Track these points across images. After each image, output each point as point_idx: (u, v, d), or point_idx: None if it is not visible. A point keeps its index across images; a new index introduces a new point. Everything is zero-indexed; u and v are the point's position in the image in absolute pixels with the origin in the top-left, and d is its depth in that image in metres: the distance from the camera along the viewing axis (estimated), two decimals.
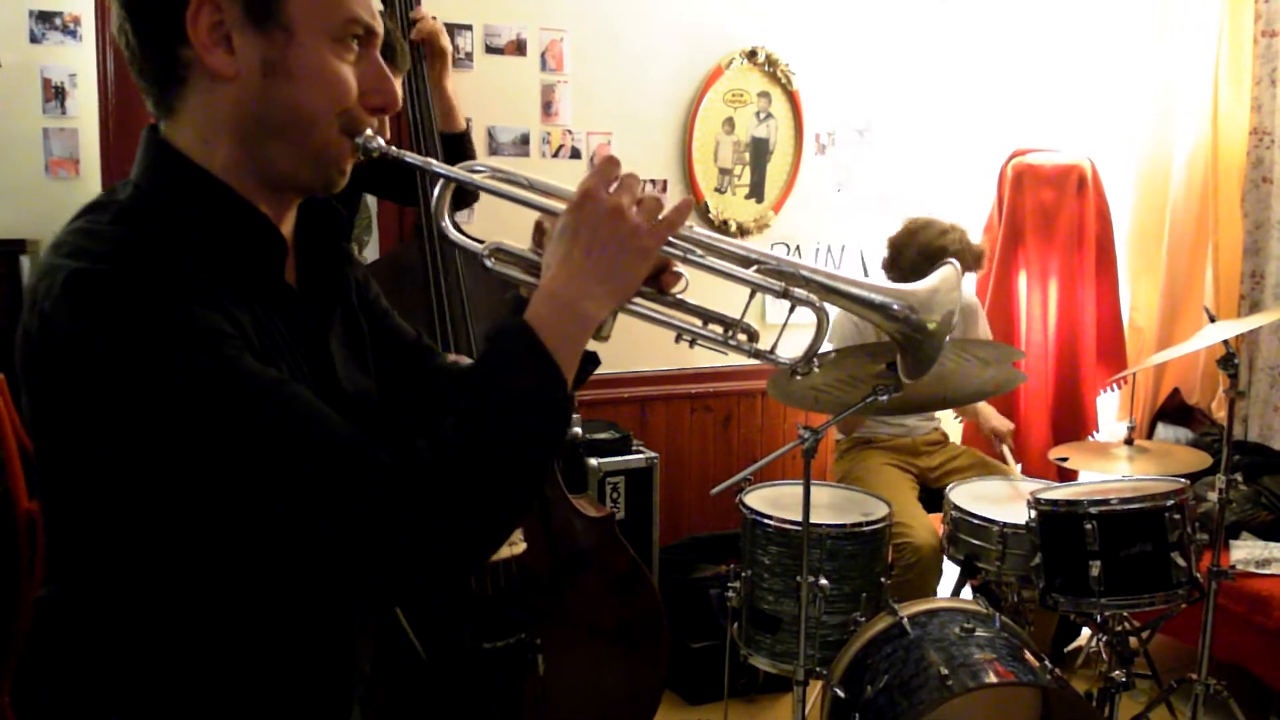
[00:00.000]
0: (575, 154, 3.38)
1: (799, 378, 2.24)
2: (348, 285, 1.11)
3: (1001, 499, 2.71)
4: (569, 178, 3.32)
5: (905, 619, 2.31)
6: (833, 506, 2.64)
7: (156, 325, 0.83)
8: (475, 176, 1.05)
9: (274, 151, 0.95)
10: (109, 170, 2.74)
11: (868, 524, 2.49)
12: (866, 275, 3.33)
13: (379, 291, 1.18)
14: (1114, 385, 3.61)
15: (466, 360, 1.27)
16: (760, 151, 3.67)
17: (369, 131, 0.99)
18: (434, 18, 2.22)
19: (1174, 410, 3.51)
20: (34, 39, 2.78)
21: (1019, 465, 3.47)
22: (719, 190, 3.60)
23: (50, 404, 0.88)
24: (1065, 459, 2.72)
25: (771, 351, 1.07)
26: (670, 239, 1.00)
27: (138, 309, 0.83)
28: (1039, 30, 3.84)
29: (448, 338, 1.98)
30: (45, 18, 2.77)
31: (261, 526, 0.85)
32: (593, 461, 2.96)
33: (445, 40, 2.15)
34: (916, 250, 2.92)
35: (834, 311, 1.06)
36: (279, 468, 0.84)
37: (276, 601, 0.96)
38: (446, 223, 1.08)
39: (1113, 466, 2.58)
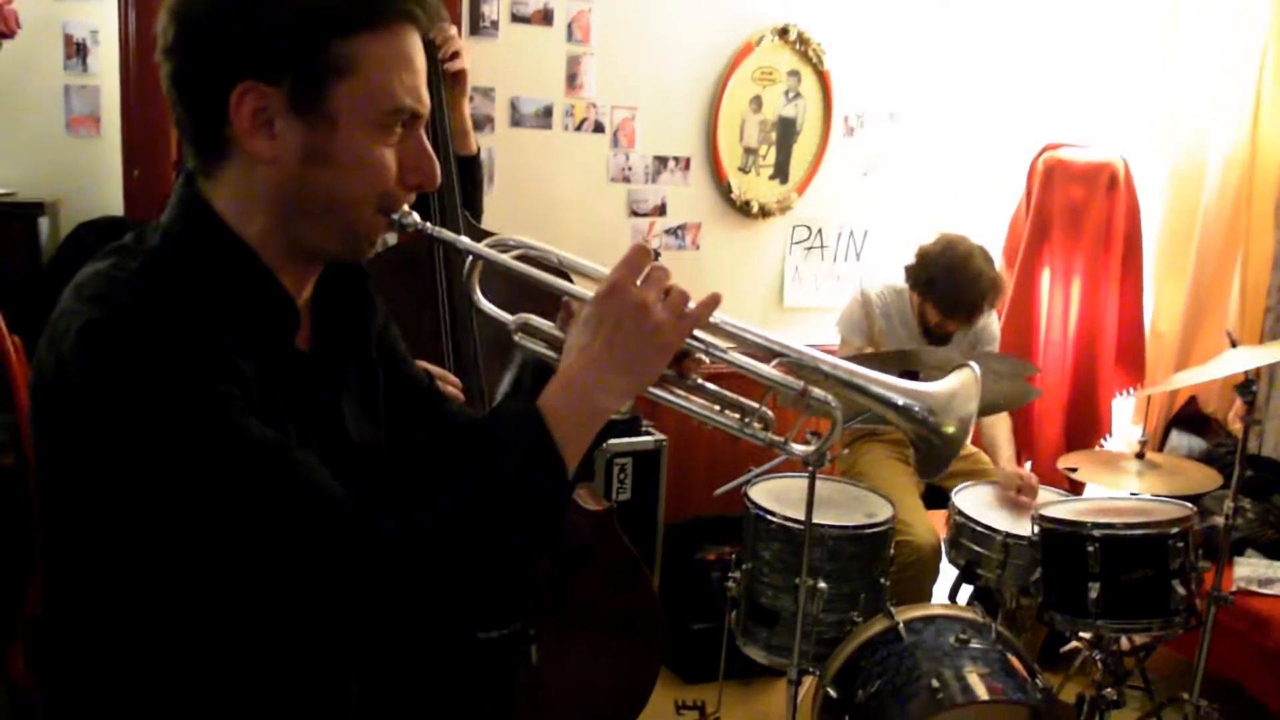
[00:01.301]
0: (599, 128, 3.34)
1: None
2: (367, 339, 1.11)
3: (1007, 507, 2.70)
4: (592, 151, 3.35)
5: (901, 624, 2.32)
6: (836, 504, 2.64)
7: (163, 386, 0.84)
8: (504, 255, 1.06)
9: (307, 228, 0.96)
10: (129, 129, 2.74)
11: (870, 526, 2.50)
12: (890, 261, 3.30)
13: (397, 335, 1.19)
14: (1130, 390, 3.57)
15: (461, 395, 1.27)
16: (787, 131, 3.61)
17: (405, 208, 0.99)
18: (456, 38, 2.18)
19: (1189, 418, 3.47)
20: None
21: (1026, 465, 3.47)
22: (743, 170, 3.56)
23: (55, 444, 0.90)
24: (1075, 469, 2.71)
25: (786, 443, 1.07)
26: (694, 336, 1.01)
27: (147, 369, 0.84)
28: (1078, 21, 3.74)
29: (453, 334, 1.97)
30: None
31: (255, 585, 0.87)
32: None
33: (465, 60, 2.12)
34: (945, 275, 2.84)
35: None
36: (275, 531, 0.86)
37: (268, 645, 0.97)
38: (477, 295, 1.10)
39: (1122, 481, 2.57)
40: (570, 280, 1.09)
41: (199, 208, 0.96)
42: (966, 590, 2.87)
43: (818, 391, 1.04)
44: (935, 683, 2.12)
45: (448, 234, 1.04)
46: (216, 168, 0.95)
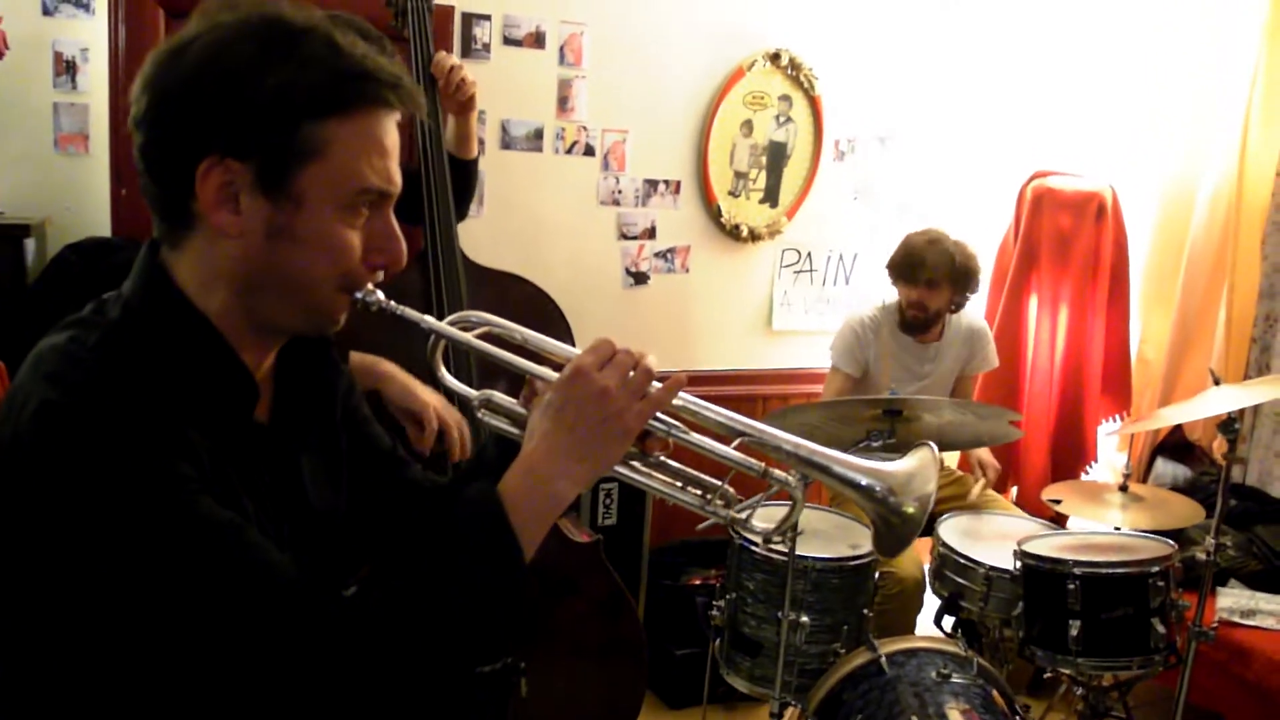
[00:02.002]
0: (589, 151, 3.34)
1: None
2: (331, 406, 1.11)
3: (991, 538, 2.71)
4: (582, 174, 3.35)
5: (884, 657, 2.32)
6: (821, 534, 2.65)
7: (115, 470, 0.84)
8: (468, 335, 1.07)
9: (268, 304, 0.96)
10: (118, 147, 2.73)
11: (854, 558, 2.50)
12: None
13: (361, 398, 1.19)
14: (1116, 418, 3.58)
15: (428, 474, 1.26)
16: (777, 156, 3.62)
17: (370, 286, 1.00)
18: (458, 66, 2.21)
19: (1174, 446, 3.49)
20: (46, 11, 2.74)
21: (1012, 491, 3.48)
22: (733, 194, 3.56)
23: (7, 518, 0.88)
24: (1059, 500, 2.72)
25: (747, 520, 1.08)
26: (656, 416, 1.01)
27: (99, 453, 0.84)
28: (1070, 50, 3.76)
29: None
30: None
31: (206, 663, 0.87)
32: None
33: (472, 87, 2.17)
34: (903, 246, 3.05)
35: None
36: (226, 613, 0.86)
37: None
38: (441, 371, 1.11)
39: (1105, 515, 2.57)
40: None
41: (160, 279, 0.95)
42: (948, 622, 2.88)
43: (778, 472, 1.06)
44: (916, 718, 2.12)
45: (411, 313, 1.04)
46: (181, 239, 0.95)
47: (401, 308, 1.03)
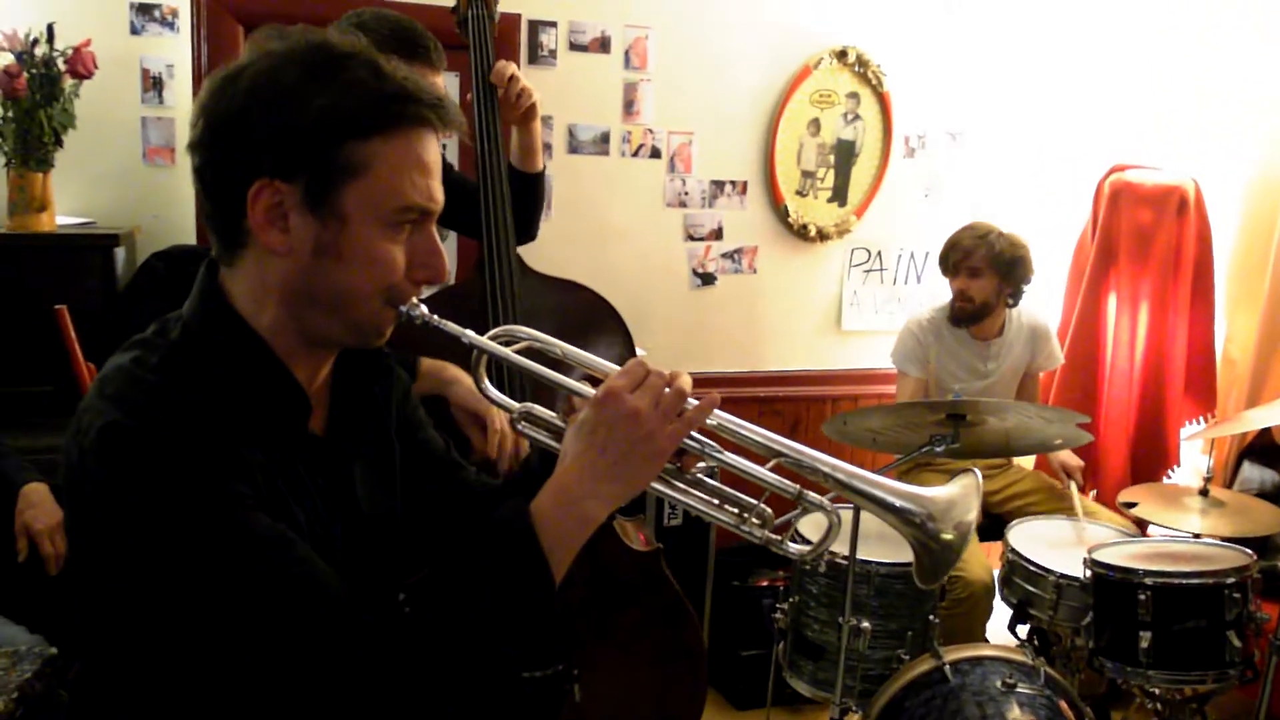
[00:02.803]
0: (655, 153, 3.36)
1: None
2: (385, 416, 1.15)
3: (1062, 544, 2.65)
4: (648, 177, 3.37)
5: (948, 665, 2.29)
6: (885, 538, 2.62)
7: (173, 489, 0.89)
8: (508, 350, 1.09)
9: (317, 319, 1.00)
10: None
11: None
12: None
13: (417, 403, 1.23)
14: (1200, 419, 3.46)
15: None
16: (845, 154, 3.58)
17: (414, 300, 1.02)
18: (518, 76, 2.23)
19: (1262, 449, 3.35)
20: (134, 31, 2.87)
21: (1090, 494, 3.39)
22: (800, 193, 3.54)
23: (79, 531, 0.96)
24: (1134, 504, 2.64)
25: (783, 543, 1.08)
26: (690, 436, 1.02)
27: (159, 472, 0.89)
28: (1145, 40, 3.63)
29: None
30: (144, 10, 2.86)
31: (251, 673, 0.91)
32: None
33: (533, 95, 2.19)
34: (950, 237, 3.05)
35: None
36: (272, 625, 0.90)
37: None
38: (485, 384, 1.14)
39: (1183, 520, 2.50)
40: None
41: (217, 300, 1.00)
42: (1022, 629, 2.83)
43: (813, 495, 1.05)
44: None
45: (453, 327, 1.07)
46: (236, 257, 1.00)
47: (444, 321, 1.05)
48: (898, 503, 1.03)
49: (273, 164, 0.94)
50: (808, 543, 1.12)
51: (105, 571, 0.92)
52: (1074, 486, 2.97)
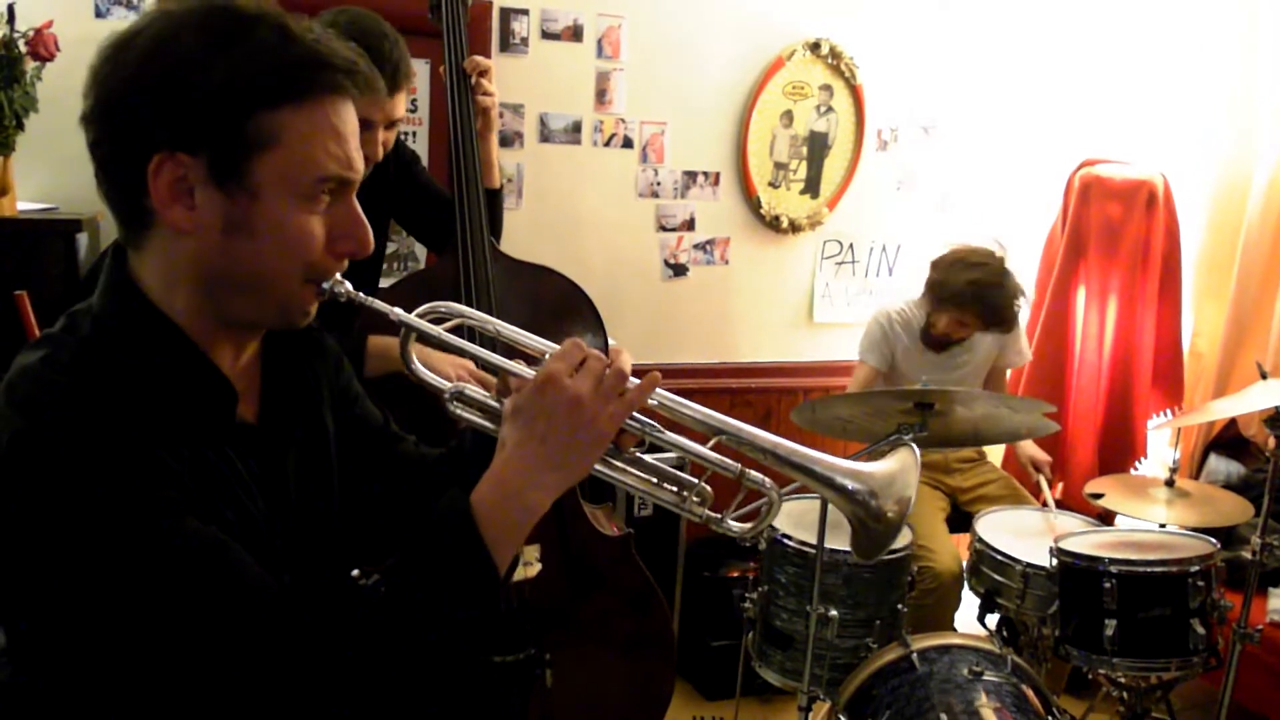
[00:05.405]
0: (628, 143, 3.34)
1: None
2: (316, 396, 1.11)
3: (1029, 533, 2.66)
4: (621, 167, 3.35)
5: (915, 653, 2.30)
6: None
7: (94, 500, 0.83)
8: (438, 328, 1.05)
9: (234, 301, 0.95)
10: None
11: (888, 552, 2.47)
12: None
13: (351, 376, 1.18)
14: (1168, 412, 3.49)
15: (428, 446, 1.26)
16: (818, 146, 3.59)
17: (337, 276, 0.98)
18: (488, 74, 2.21)
19: (1229, 442, 3.39)
20: (99, 13, 2.82)
21: (1058, 488, 3.41)
22: (773, 185, 3.54)
23: None
24: (1101, 495, 2.66)
25: (723, 521, 1.07)
26: (631, 416, 1.00)
27: (77, 484, 0.83)
28: (1117, 35, 3.66)
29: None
30: None
31: (188, 685, 0.86)
32: None
33: (494, 98, 2.17)
34: (967, 284, 2.84)
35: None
36: (206, 634, 0.85)
37: None
38: (414, 363, 1.10)
39: (1149, 510, 2.52)
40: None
41: (127, 288, 0.94)
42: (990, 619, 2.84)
43: (754, 473, 1.04)
44: (945, 716, 2.10)
45: (380, 304, 1.02)
46: (141, 239, 0.93)
47: (370, 299, 1.00)
48: (841, 481, 1.02)
49: (173, 136, 0.87)
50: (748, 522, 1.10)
51: (26, 592, 0.85)
52: (1043, 481, 2.99)
